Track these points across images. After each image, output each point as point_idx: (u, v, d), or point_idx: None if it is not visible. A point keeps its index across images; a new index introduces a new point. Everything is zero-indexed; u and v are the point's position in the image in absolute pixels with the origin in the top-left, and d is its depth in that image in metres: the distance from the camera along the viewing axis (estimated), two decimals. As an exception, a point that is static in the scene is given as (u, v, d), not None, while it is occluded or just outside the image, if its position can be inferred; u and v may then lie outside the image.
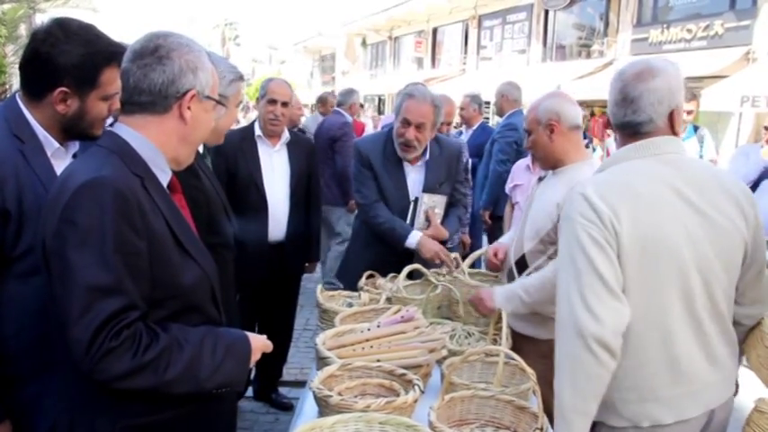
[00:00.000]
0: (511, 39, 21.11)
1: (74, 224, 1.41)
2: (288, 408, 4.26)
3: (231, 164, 3.73)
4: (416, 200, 3.49)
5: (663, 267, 1.76)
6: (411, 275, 3.22)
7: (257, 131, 3.84)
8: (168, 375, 1.46)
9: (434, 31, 26.35)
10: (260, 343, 1.73)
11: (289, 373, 4.71)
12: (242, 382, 1.65)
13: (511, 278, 2.76)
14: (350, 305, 3.10)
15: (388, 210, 3.47)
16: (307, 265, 4.24)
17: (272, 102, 3.77)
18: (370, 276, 3.40)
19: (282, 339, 4.23)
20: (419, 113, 3.30)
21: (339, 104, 7.31)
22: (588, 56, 17.93)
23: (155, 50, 1.58)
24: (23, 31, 29.06)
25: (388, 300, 3.07)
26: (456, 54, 24.78)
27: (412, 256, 3.44)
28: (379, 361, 2.22)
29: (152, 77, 1.57)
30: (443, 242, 3.51)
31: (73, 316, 1.39)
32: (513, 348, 2.73)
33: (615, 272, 1.73)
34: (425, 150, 3.50)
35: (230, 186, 3.72)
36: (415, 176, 3.53)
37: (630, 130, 1.91)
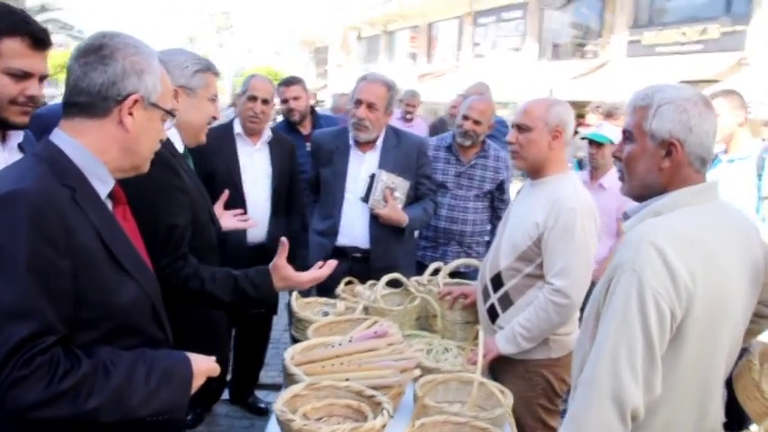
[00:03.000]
0: (505, 36, 21.00)
1: None
2: (263, 412, 4.14)
3: (208, 162, 3.58)
4: (373, 176, 3.43)
5: (721, 330, 1.64)
6: (392, 283, 3.13)
7: (237, 129, 3.71)
8: (90, 404, 1.35)
9: (429, 27, 26.20)
10: (204, 367, 1.59)
11: (267, 375, 4.60)
12: (182, 409, 1.52)
13: (486, 296, 2.65)
14: (326, 314, 2.99)
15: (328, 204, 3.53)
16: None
17: (253, 98, 3.63)
18: (349, 283, 3.29)
19: (260, 344, 4.11)
20: (369, 92, 3.38)
21: None
22: (582, 56, 17.85)
23: (99, 49, 1.48)
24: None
25: (366, 309, 2.97)
26: (451, 50, 24.64)
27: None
28: (347, 380, 2.12)
29: (92, 77, 1.46)
30: (402, 230, 3.44)
31: None
32: (490, 367, 2.64)
33: (664, 345, 1.57)
34: (378, 138, 3.48)
35: (207, 186, 3.60)
36: (367, 166, 3.49)
37: (704, 170, 1.69)
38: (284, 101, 4.57)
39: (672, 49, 14.73)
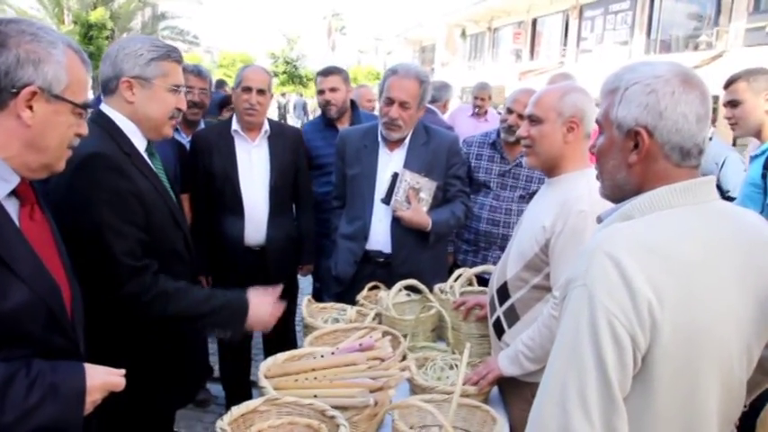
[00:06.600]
0: (613, 30, 19.94)
1: None
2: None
3: (207, 162, 3.46)
4: (396, 175, 3.18)
5: (706, 367, 1.30)
6: (416, 290, 2.90)
7: (234, 126, 3.53)
8: None
9: (534, 22, 25.40)
10: (101, 380, 1.45)
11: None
12: (75, 425, 1.39)
13: (492, 308, 2.36)
14: (336, 321, 2.82)
15: (354, 208, 3.31)
16: (300, 268, 3.91)
17: (247, 90, 3.42)
18: (374, 287, 3.10)
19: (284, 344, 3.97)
20: (401, 89, 3.11)
21: (432, 101, 5.92)
22: (695, 47, 16.59)
23: None
24: (138, 24, 30.50)
25: (378, 317, 2.77)
26: (555, 46, 23.79)
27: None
28: (315, 396, 1.93)
29: None
30: (427, 233, 3.18)
31: None
32: (498, 388, 2.37)
33: (627, 381, 1.26)
34: (406, 136, 3.24)
35: (207, 186, 3.50)
36: (393, 163, 3.24)
37: (690, 163, 1.37)
38: (320, 92, 4.16)
39: (800, 36, 13.40)
